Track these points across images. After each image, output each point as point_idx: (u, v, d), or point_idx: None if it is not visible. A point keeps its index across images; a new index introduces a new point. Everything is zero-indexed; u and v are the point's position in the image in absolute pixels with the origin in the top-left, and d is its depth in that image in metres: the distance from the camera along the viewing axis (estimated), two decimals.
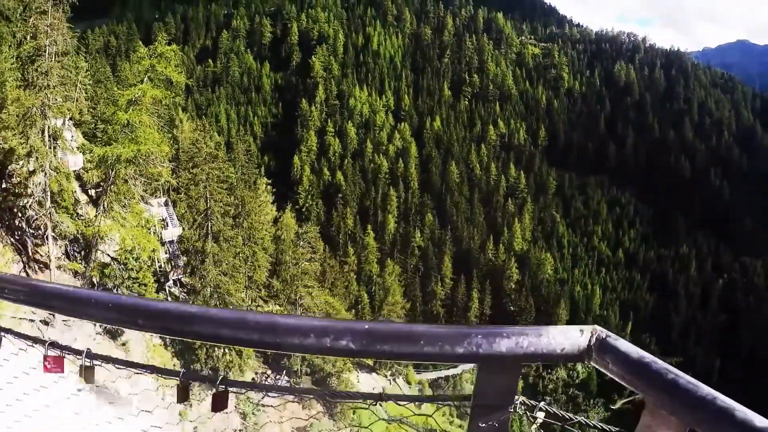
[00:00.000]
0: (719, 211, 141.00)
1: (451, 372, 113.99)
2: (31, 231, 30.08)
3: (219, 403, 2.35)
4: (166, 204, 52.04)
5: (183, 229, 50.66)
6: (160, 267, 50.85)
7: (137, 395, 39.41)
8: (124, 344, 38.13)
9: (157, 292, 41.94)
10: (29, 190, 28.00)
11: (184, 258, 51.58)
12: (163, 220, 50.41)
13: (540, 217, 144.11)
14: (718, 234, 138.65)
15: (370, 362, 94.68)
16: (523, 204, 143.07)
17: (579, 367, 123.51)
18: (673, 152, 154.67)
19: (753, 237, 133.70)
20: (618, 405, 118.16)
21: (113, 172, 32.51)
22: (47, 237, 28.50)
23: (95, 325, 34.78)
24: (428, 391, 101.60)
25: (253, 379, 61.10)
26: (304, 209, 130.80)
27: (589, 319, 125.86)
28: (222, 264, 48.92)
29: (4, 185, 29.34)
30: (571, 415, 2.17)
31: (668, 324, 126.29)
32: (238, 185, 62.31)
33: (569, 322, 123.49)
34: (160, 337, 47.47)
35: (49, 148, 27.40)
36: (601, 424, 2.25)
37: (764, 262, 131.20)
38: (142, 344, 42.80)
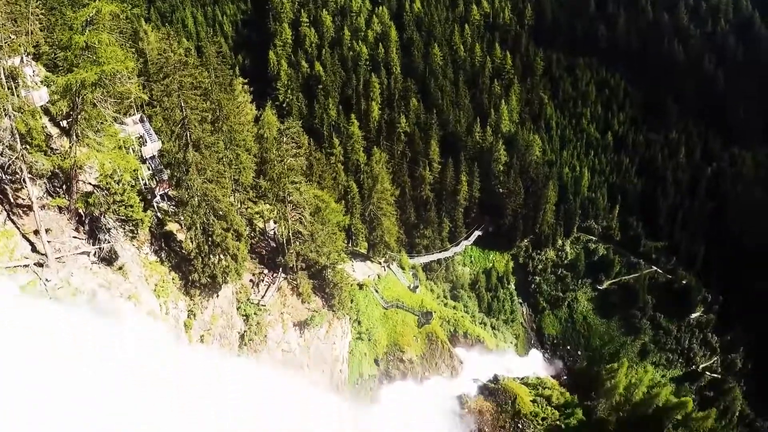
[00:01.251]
0: (711, 100, 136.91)
1: (443, 255, 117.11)
2: (7, 177, 29.68)
3: None
4: (141, 120, 50.88)
5: (162, 142, 49.75)
6: (144, 185, 50.58)
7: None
8: (120, 268, 38.50)
9: (145, 210, 41.65)
10: None
11: (168, 171, 50.94)
12: (140, 137, 49.53)
13: (527, 99, 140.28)
14: (709, 122, 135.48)
15: (363, 250, 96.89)
16: (509, 85, 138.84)
17: (568, 248, 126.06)
18: (666, 36, 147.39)
19: (744, 128, 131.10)
20: (605, 285, 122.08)
21: (80, 99, 31.45)
22: (24, 180, 28.06)
23: (89, 255, 35.09)
24: (421, 274, 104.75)
25: (251, 280, 62.75)
26: (284, 105, 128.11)
27: (578, 201, 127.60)
28: (206, 171, 48.44)
29: None
30: None
31: (656, 208, 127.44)
32: (212, 89, 60.34)
33: (557, 204, 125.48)
34: (155, 254, 48.24)
35: (8, 89, 26.34)
36: None
37: (754, 153, 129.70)
38: (138, 264, 43.37)
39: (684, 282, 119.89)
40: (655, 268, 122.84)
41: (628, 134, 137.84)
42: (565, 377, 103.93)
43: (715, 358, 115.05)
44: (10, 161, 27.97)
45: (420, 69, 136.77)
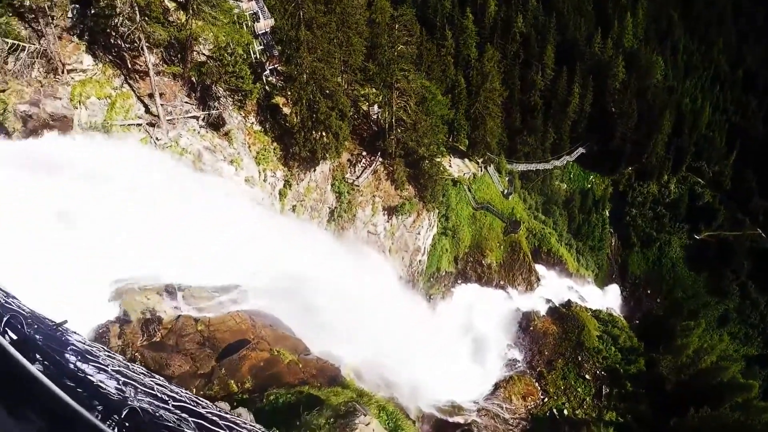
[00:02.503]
0: None
1: (542, 166, 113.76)
2: (126, 45, 32.55)
3: None
4: None
5: (275, 20, 51.43)
6: (255, 59, 52.84)
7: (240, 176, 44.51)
8: (226, 134, 41.84)
9: (254, 82, 44.35)
10: (117, 10, 29.79)
11: (279, 48, 52.98)
12: (254, 13, 51.28)
13: (655, 15, 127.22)
14: None
15: (462, 147, 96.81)
16: None
17: (672, 186, 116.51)
18: None
19: None
20: (702, 235, 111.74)
21: None
22: (142, 48, 30.84)
23: (198, 120, 38.51)
24: (517, 182, 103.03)
25: (348, 159, 65.33)
26: None
27: (693, 137, 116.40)
28: (317, 50, 50.03)
29: (92, 11, 31.22)
30: None
31: None
32: None
33: (671, 136, 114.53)
34: (260, 124, 51.46)
35: None
36: None
37: None
38: (243, 132, 46.73)
39: None
40: (759, 230, 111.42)
41: (761, 72, 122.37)
42: (637, 321, 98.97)
43: None
44: (129, 31, 30.75)
45: None
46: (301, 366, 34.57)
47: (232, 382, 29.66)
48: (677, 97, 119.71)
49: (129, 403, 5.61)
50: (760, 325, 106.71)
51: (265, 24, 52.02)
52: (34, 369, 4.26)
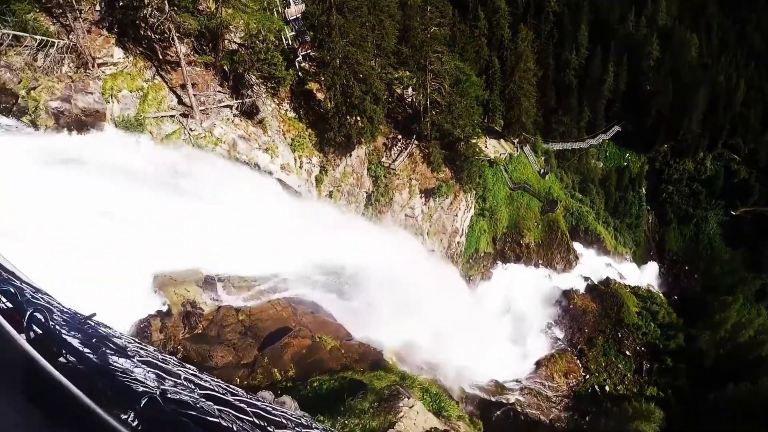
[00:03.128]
0: None
1: (577, 145, 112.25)
2: (156, 37, 32.48)
3: None
4: None
5: (305, 5, 51.11)
6: (287, 45, 52.60)
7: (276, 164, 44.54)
8: (260, 122, 41.77)
9: (287, 69, 44.14)
10: (146, 0, 29.70)
11: (310, 33, 52.69)
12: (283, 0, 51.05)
13: None
14: None
15: (498, 128, 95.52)
16: None
17: (708, 163, 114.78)
18: None
19: None
20: (738, 211, 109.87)
21: None
22: (173, 38, 30.75)
23: (231, 109, 38.52)
24: (553, 161, 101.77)
25: (384, 143, 64.94)
26: None
27: (728, 114, 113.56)
28: (349, 35, 49.61)
29: (121, 3, 31.20)
30: None
31: None
32: None
33: (707, 114, 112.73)
34: (294, 111, 51.35)
35: None
36: None
37: None
38: (277, 120, 46.67)
39: None
40: None
41: None
42: (675, 297, 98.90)
43: None
44: (159, 22, 30.69)
45: None
46: (343, 352, 34.52)
47: (276, 370, 29.71)
48: (712, 74, 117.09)
49: (150, 392, 5.39)
50: None
51: (296, 10, 51.66)
52: (51, 368, 4.05)
